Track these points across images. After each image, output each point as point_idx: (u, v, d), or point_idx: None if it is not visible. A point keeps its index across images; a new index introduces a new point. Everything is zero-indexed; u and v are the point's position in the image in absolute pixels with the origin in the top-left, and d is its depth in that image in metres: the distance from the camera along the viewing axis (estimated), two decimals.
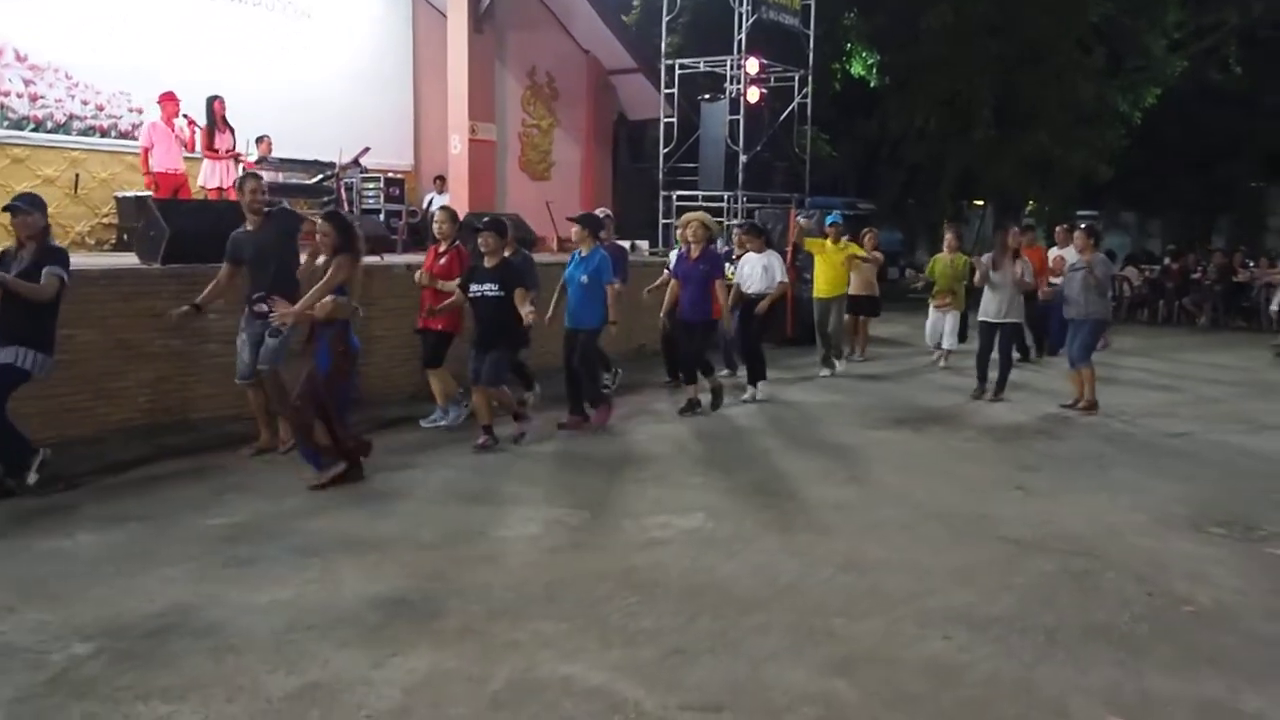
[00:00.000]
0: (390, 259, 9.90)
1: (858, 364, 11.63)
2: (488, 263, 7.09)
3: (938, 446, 7.57)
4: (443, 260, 7.75)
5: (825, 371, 10.83)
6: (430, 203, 13.80)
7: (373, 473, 6.26)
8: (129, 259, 8.12)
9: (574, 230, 7.82)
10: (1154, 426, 8.39)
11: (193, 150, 10.79)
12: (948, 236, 11.88)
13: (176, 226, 7.35)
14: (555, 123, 16.07)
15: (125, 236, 11.80)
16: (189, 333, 7.37)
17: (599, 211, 9.44)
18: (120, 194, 11.73)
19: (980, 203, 28.77)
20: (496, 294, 6.99)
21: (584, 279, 7.66)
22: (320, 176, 11.68)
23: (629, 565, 4.79)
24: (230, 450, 6.86)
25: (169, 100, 10.64)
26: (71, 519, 5.35)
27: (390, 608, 4.21)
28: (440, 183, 14.53)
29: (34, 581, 4.45)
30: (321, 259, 6.09)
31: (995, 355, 9.38)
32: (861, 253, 11.33)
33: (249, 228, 6.67)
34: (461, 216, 13.37)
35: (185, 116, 10.70)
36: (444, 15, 14.84)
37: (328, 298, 5.87)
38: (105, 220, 11.84)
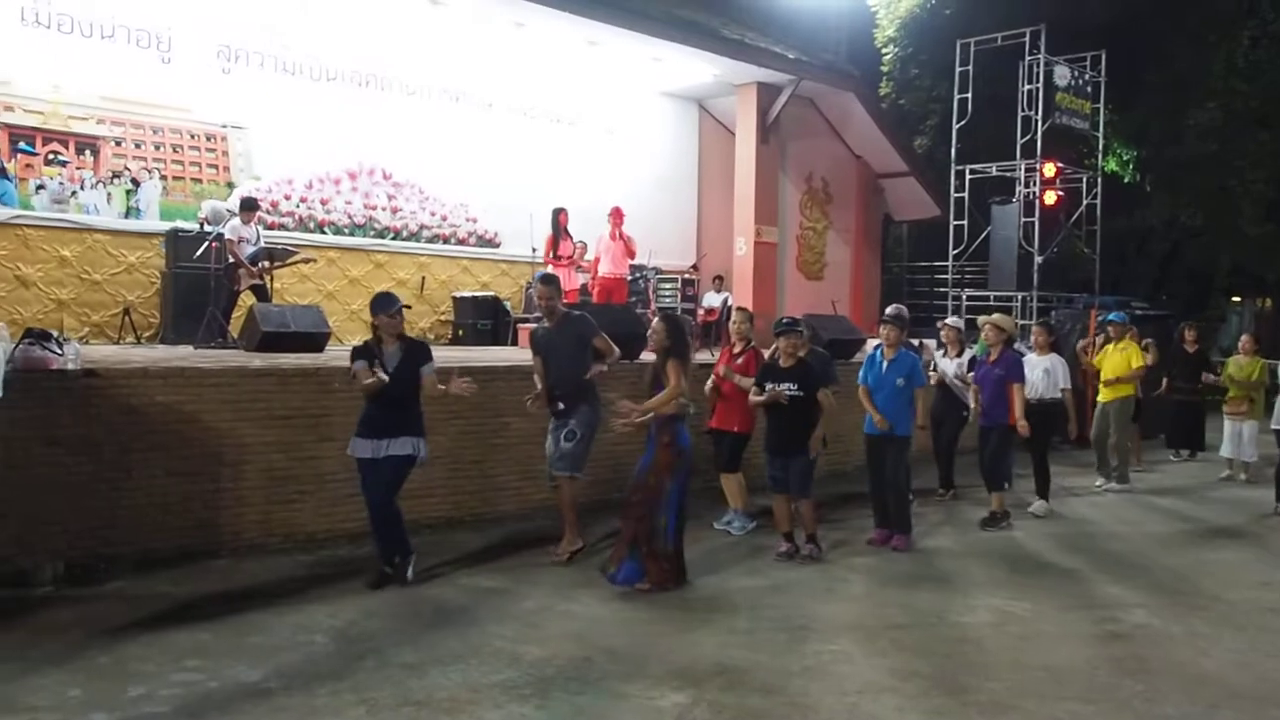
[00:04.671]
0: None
1: (1138, 473, 10.63)
2: (784, 363, 6.86)
3: None
4: (739, 360, 7.63)
5: (1100, 482, 9.90)
6: (727, 301, 14.59)
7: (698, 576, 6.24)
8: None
9: (885, 331, 7.46)
10: None
11: (633, 258, 11.74)
12: (1244, 339, 11.02)
13: None
14: (829, 225, 16.77)
15: (460, 332, 13.18)
16: None
17: (895, 310, 8.64)
18: (457, 294, 13.13)
19: (1238, 299, 27.40)
20: (794, 393, 6.72)
21: (900, 382, 7.29)
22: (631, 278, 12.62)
23: (1110, 655, 5.02)
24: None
25: (616, 215, 11.60)
26: (569, 586, 6.02)
27: (920, 680, 4.60)
28: (718, 282, 15.32)
29: (582, 636, 5.10)
30: (652, 357, 6.35)
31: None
32: (1137, 356, 10.03)
33: (547, 325, 6.88)
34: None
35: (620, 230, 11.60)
36: (726, 127, 15.99)
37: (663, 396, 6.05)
38: (443, 317, 13.25)
